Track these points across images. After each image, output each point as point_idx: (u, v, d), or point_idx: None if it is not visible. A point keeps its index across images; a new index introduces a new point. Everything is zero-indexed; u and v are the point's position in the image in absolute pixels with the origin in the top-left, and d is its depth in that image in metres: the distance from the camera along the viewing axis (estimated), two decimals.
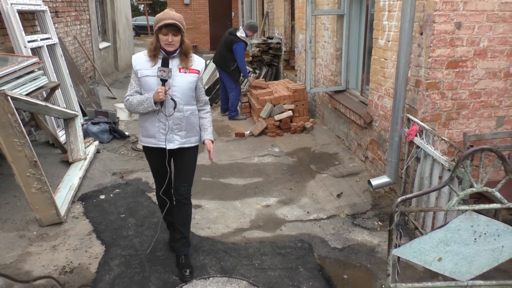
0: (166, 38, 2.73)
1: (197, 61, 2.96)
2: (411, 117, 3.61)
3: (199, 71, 2.94)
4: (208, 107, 3.12)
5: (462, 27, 3.39)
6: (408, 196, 2.01)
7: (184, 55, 2.85)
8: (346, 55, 5.70)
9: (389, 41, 4.10)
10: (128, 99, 2.89)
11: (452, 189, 2.06)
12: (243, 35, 7.14)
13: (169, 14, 2.71)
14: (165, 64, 2.76)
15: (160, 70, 2.74)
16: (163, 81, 2.77)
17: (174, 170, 3.06)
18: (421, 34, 3.53)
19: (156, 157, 3.01)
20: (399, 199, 2.00)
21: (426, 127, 3.37)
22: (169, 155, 2.97)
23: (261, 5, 12.16)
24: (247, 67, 7.84)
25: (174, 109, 2.83)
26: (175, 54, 2.83)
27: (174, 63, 2.83)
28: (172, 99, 2.82)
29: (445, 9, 3.34)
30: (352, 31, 5.57)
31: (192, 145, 3.02)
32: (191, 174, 3.10)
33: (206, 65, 8.61)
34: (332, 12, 5.76)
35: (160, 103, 2.80)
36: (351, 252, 3.42)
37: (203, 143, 3.06)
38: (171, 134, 2.90)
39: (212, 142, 3.07)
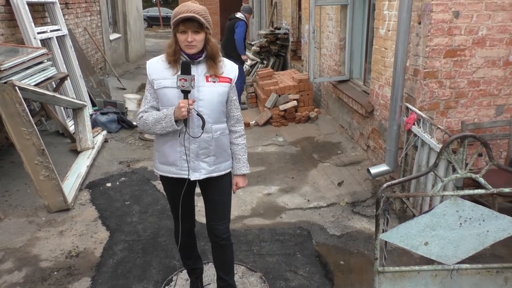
0: (185, 38, 2.13)
1: (229, 67, 2.34)
2: (409, 106, 3.63)
3: (231, 79, 2.32)
4: (241, 127, 2.46)
5: (460, 16, 3.39)
6: (393, 182, 2.07)
7: (211, 60, 2.25)
8: (349, 45, 5.71)
9: (389, 31, 4.11)
10: (142, 116, 2.28)
11: (436, 174, 2.11)
12: (242, 16, 7.58)
13: (188, 6, 2.14)
14: (186, 70, 2.13)
15: (180, 79, 2.11)
16: (185, 93, 2.15)
17: (205, 206, 2.52)
18: (419, 23, 3.54)
19: (177, 189, 2.36)
20: (385, 185, 2.05)
21: (424, 115, 3.40)
22: (194, 186, 2.48)
23: None
24: (248, 53, 8.12)
25: (202, 129, 2.21)
26: (200, 59, 2.23)
27: (200, 71, 2.24)
28: (199, 115, 2.20)
29: None
30: (356, 21, 5.57)
31: (222, 173, 2.41)
32: (227, 208, 2.52)
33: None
34: (335, 2, 5.75)
35: (183, 121, 2.19)
36: (349, 239, 3.49)
37: (233, 178, 2.49)
38: (196, 161, 2.30)
39: (245, 176, 2.53)
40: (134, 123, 6.49)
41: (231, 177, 2.51)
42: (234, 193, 2.53)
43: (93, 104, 6.77)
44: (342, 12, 5.70)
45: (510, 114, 3.73)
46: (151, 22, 26.49)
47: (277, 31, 9.72)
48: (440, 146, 3.07)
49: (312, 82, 6.26)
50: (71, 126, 5.67)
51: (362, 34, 5.50)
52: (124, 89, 8.91)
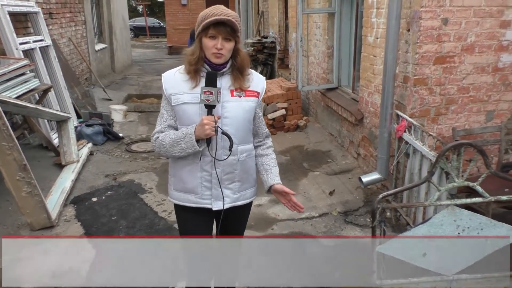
0: (214, 44, 1.86)
1: (256, 80, 2.06)
2: (400, 113, 3.61)
3: (259, 93, 2.05)
4: (269, 141, 2.22)
5: (449, 23, 3.39)
6: (389, 192, 2.01)
7: (238, 72, 1.98)
8: (337, 52, 5.70)
9: (377, 38, 4.10)
10: (158, 137, 1.99)
11: (433, 184, 2.06)
12: None
13: (222, 9, 1.86)
14: (211, 81, 1.87)
15: (205, 92, 1.84)
16: (210, 108, 1.88)
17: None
18: (408, 30, 3.53)
19: (197, 221, 2.10)
20: (380, 196, 2.00)
21: (415, 122, 3.37)
22: (213, 218, 2.15)
23: (257, 5, 12.16)
24: None
25: (230, 149, 1.93)
26: (225, 69, 1.96)
27: (223, 83, 1.96)
28: (225, 134, 1.91)
29: (432, 5, 3.34)
30: (343, 29, 5.57)
31: (247, 201, 2.15)
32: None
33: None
34: (322, 10, 5.75)
35: (205, 141, 1.91)
36: (342, 249, 3.42)
37: (271, 190, 2.12)
38: (219, 188, 2.01)
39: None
40: (121, 135, 6.37)
41: (251, 208, 2.27)
42: (302, 210, 2.11)
43: (78, 116, 6.63)
44: (329, 20, 5.69)
45: (500, 119, 3.73)
46: (138, 32, 26.39)
47: (264, 40, 9.71)
48: (432, 153, 3.03)
49: (300, 90, 6.22)
50: (55, 139, 5.53)
51: (350, 41, 5.49)
52: (110, 100, 8.78)
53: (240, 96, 1.98)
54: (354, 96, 5.22)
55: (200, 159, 1.97)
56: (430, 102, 3.58)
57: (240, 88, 1.97)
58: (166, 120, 2.01)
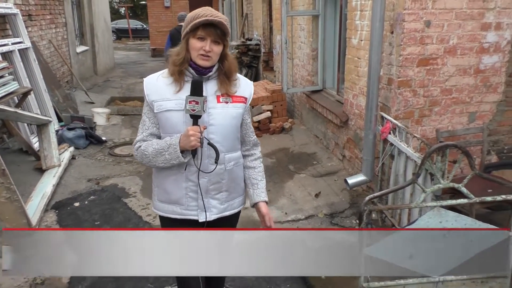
0: (202, 46, 1.77)
1: (244, 85, 1.97)
2: (384, 115, 3.62)
3: (246, 98, 1.96)
4: (257, 151, 2.11)
5: (431, 25, 3.42)
6: (375, 194, 2.01)
7: (225, 76, 1.89)
8: (322, 55, 5.72)
9: (362, 40, 4.12)
10: (140, 146, 1.89)
11: (419, 185, 2.06)
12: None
13: (211, 10, 1.79)
14: (197, 89, 1.77)
15: (190, 101, 1.74)
16: (195, 118, 1.79)
17: None
18: (392, 32, 3.55)
19: None
20: (367, 198, 1.99)
21: (399, 124, 3.38)
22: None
23: (241, 7, 12.15)
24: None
25: (216, 161, 1.84)
26: (211, 73, 1.86)
27: (209, 89, 1.86)
28: (211, 144, 1.83)
29: (414, 8, 3.36)
30: (328, 31, 5.59)
31: (235, 210, 2.06)
32: None
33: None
34: (307, 12, 5.77)
35: (190, 152, 1.83)
36: (328, 251, 3.41)
37: (255, 206, 2.05)
38: (205, 199, 1.93)
39: (267, 203, 2.07)
40: (104, 138, 6.26)
41: (239, 217, 2.17)
42: (271, 228, 2.03)
43: (60, 120, 6.49)
44: (313, 22, 5.70)
45: (482, 121, 3.78)
46: (120, 34, 26.13)
47: (248, 42, 9.71)
48: (417, 154, 3.05)
49: (285, 93, 6.22)
50: (35, 143, 5.40)
51: (334, 44, 5.52)
52: (93, 103, 8.63)
53: (226, 102, 1.88)
54: (339, 98, 5.24)
55: (185, 169, 1.88)
56: (414, 104, 3.60)
57: (226, 94, 1.88)
58: (148, 128, 1.91)
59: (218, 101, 1.87)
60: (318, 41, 5.72)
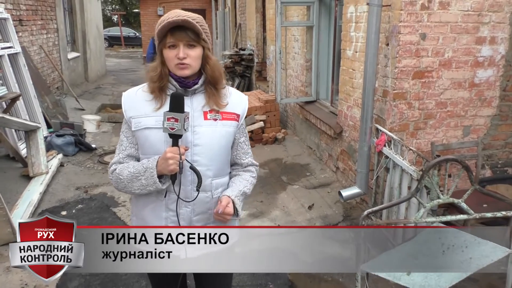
0: (175, 54, 1.54)
1: (236, 99, 1.72)
2: (379, 127, 3.60)
3: (239, 115, 1.70)
4: (253, 170, 1.82)
5: (427, 38, 3.42)
6: (374, 209, 1.96)
7: (211, 86, 1.64)
8: (316, 66, 5.71)
9: (356, 52, 4.11)
10: (115, 169, 1.66)
11: (419, 200, 2.02)
12: None
13: (178, 12, 1.57)
14: (177, 105, 1.52)
15: (168, 119, 1.50)
16: (175, 138, 1.54)
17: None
18: (387, 45, 3.54)
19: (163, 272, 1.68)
20: (365, 212, 1.95)
21: (394, 137, 3.36)
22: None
23: (234, 17, 12.17)
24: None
25: (198, 188, 1.60)
26: (197, 86, 1.62)
27: (195, 104, 1.63)
28: (194, 169, 1.59)
29: (410, 20, 3.36)
30: (322, 42, 5.59)
31: None
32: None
33: None
34: (301, 23, 5.77)
35: (170, 177, 1.59)
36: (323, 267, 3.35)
37: (219, 200, 1.66)
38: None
39: (237, 211, 1.68)
40: (93, 146, 6.16)
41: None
42: (219, 214, 1.62)
43: (49, 126, 6.37)
44: (308, 33, 5.70)
45: (477, 134, 3.78)
46: (113, 41, 26.05)
47: (241, 52, 9.71)
48: (412, 168, 3.01)
49: (279, 103, 6.19)
50: (23, 150, 5.28)
51: (328, 55, 5.51)
52: (83, 110, 8.52)
53: (215, 119, 1.63)
54: (332, 110, 5.22)
55: (165, 196, 1.64)
56: (409, 116, 3.58)
57: (215, 110, 1.63)
58: (125, 149, 1.67)
59: (205, 118, 1.63)
60: (312, 52, 5.71)
